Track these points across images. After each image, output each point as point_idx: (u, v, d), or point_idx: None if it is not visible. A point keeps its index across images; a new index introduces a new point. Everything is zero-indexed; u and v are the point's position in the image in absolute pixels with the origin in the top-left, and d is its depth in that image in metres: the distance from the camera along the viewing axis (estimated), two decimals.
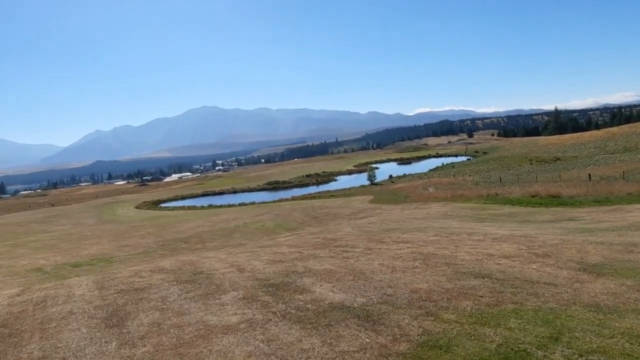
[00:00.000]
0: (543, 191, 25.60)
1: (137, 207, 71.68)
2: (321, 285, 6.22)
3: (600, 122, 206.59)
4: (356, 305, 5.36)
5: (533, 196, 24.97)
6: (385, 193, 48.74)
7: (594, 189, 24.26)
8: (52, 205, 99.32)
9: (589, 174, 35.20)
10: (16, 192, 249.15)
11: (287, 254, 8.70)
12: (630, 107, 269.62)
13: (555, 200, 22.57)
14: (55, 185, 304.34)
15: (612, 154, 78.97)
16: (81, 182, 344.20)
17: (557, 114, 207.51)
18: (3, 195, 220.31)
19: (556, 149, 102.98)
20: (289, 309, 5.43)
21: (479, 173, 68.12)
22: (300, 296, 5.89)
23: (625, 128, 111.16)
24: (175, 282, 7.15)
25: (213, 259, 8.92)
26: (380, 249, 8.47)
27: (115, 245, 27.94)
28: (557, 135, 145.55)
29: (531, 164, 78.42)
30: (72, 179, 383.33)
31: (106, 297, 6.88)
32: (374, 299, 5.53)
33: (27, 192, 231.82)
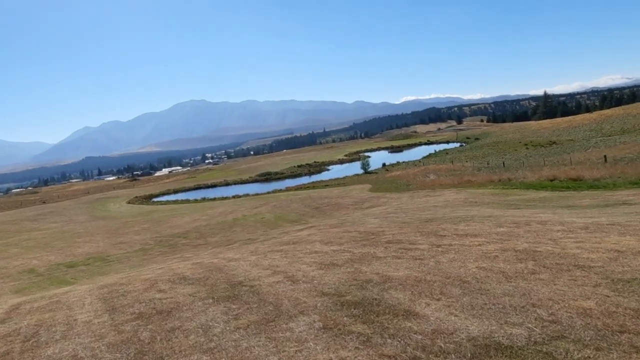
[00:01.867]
0: (562, 174, 25.00)
1: (129, 202, 70.20)
2: (427, 304, 4.54)
3: (589, 105, 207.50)
4: (518, 341, 3.55)
5: (551, 180, 24.38)
6: (383, 181, 48.05)
7: (618, 170, 23.69)
8: (44, 202, 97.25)
9: (604, 156, 34.71)
10: (8, 190, 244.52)
11: (331, 253, 7.55)
12: (618, 89, 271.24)
13: (580, 183, 21.95)
14: (46, 182, 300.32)
15: (609, 136, 78.91)
16: (72, 178, 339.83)
17: (546, 98, 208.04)
18: None
19: (550, 133, 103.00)
20: (408, 348, 3.61)
21: (475, 159, 67.71)
22: (408, 323, 4.14)
23: (619, 110, 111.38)
24: (211, 300, 5.45)
25: (242, 261, 7.84)
26: (451, 245, 7.13)
27: (110, 243, 26.91)
28: (548, 120, 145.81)
29: (527, 148, 78.10)
30: (62, 175, 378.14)
31: (122, 328, 5.14)
32: (536, 330, 3.75)
33: (18, 190, 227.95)
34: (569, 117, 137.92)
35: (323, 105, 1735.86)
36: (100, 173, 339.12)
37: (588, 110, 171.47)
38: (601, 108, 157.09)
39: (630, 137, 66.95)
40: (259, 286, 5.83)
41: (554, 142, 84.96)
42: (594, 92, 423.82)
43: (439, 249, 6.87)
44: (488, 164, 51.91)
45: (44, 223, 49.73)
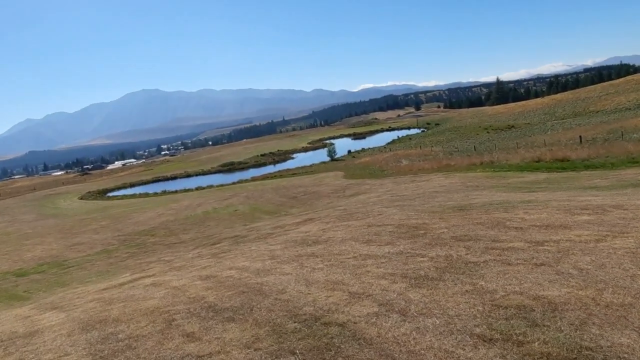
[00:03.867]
0: (545, 156, 24.61)
1: (81, 198, 65.38)
2: None
3: (538, 91, 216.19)
4: None
5: (536, 161, 23.94)
6: (354, 168, 46.88)
7: (602, 150, 23.44)
8: None
9: (580, 137, 35.03)
10: None
11: (393, 257, 5.66)
12: (561, 76, 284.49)
13: (568, 164, 21.51)
14: None
15: (563, 119, 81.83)
16: (14, 174, 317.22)
17: (499, 84, 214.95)
18: None
19: (506, 118, 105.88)
20: None
21: (440, 143, 68.02)
22: None
23: (568, 95, 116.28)
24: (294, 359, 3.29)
25: (275, 274, 5.76)
26: (557, 242, 5.42)
27: (64, 244, 24.04)
28: (502, 105, 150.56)
29: (487, 132, 79.55)
30: (3, 172, 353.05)
31: None
32: None
33: None
34: (522, 102, 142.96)
35: (282, 93, 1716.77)
36: (46, 168, 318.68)
37: (537, 95, 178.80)
38: (549, 93, 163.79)
39: (584, 120, 69.52)
40: (352, 325, 3.72)
41: (512, 126, 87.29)
42: (539, 79, 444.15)
43: (548, 248, 5.24)
44: (457, 148, 51.89)
45: None
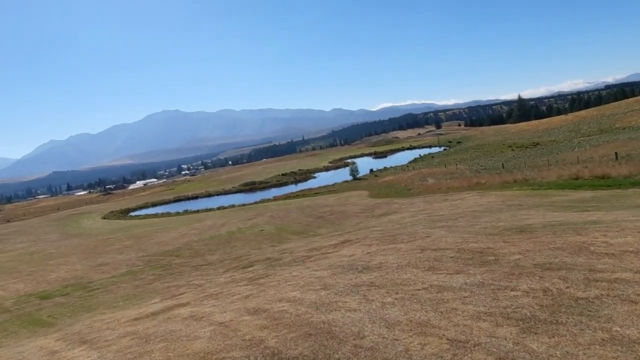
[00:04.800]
0: (584, 173, 23.38)
1: (104, 218, 65.88)
2: None
3: (560, 108, 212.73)
4: None
5: (574, 179, 22.77)
6: (378, 187, 45.93)
7: None
8: (8, 221, 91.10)
9: (616, 153, 33.60)
10: None
11: (475, 290, 4.76)
12: (582, 93, 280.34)
13: (611, 181, 20.24)
14: (9, 199, 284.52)
15: (589, 136, 79.73)
16: (38, 194, 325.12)
17: (520, 102, 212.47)
18: None
19: (530, 135, 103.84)
20: None
21: (464, 161, 66.66)
22: None
23: (592, 111, 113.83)
24: None
25: (338, 311, 4.79)
26: None
27: (89, 265, 23.60)
28: (525, 122, 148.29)
29: (512, 150, 77.85)
30: (27, 192, 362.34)
31: None
32: None
33: None
34: (546, 119, 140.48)
35: (301, 113, 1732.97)
36: (69, 188, 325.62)
37: (559, 112, 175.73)
38: (571, 110, 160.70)
39: (611, 136, 67.34)
40: None
41: (538, 143, 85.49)
42: (560, 96, 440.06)
43: None
44: (483, 166, 50.54)
45: (9, 244, 45.33)
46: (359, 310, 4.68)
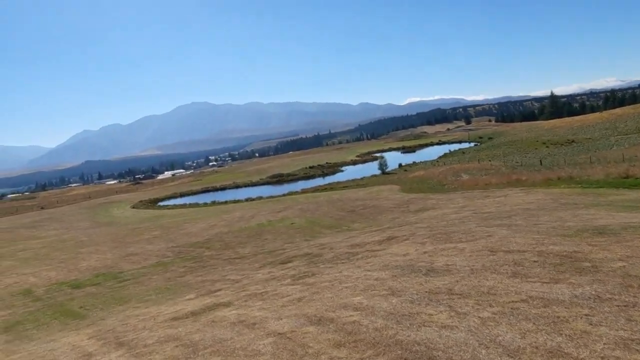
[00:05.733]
0: (635, 172, 21.68)
1: (133, 207, 66.72)
2: None
3: (593, 105, 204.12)
4: None
5: (624, 177, 21.17)
6: (409, 182, 44.59)
7: None
8: (42, 208, 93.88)
9: None
10: (3, 195, 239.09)
11: (591, 304, 3.91)
12: (615, 91, 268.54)
13: None
14: (44, 187, 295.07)
15: (626, 134, 76.21)
16: (71, 183, 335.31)
17: (553, 98, 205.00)
18: None
19: (565, 132, 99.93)
20: None
21: (497, 157, 64.38)
22: None
23: (629, 109, 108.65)
24: None
25: (426, 323, 3.94)
26: None
27: (119, 254, 23.45)
28: (559, 119, 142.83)
29: (547, 147, 74.92)
30: (61, 180, 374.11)
31: None
32: None
33: (14, 195, 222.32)
34: (580, 116, 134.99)
35: (328, 107, 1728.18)
36: (100, 177, 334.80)
37: (593, 110, 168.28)
38: (605, 108, 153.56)
39: None
40: None
41: (573, 141, 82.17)
42: (592, 94, 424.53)
43: None
44: (519, 162, 48.46)
45: (42, 230, 46.27)
46: (456, 327, 3.76)
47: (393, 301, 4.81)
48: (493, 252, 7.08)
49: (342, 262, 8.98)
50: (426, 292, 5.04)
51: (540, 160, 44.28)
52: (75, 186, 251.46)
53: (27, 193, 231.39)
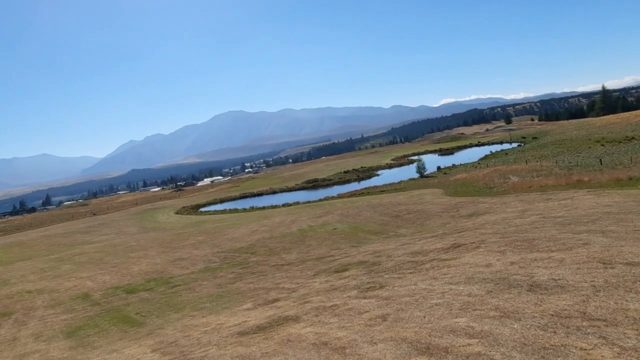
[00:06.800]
0: None
1: (177, 213, 68.69)
2: None
3: None
4: None
5: None
6: (452, 185, 43.37)
7: None
8: (94, 214, 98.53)
9: None
10: (60, 203, 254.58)
11: None
12: None
13: None
14: (95, 194, 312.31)
15: None
16: (119, 190, 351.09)
17: (605, 93, 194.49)
18: (49, 207, 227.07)
19: (621, 129, 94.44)
20: None
21: (546, 158, 61.61)
22: None
23: None
24: None
25: None
26: None
27: (167, 259, 23.98)
28: (612, 115, 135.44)
29: (602, 145, 70.94)
30: (110, 188, 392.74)
31: None
32: None
33: (69, 202, 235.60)
34: (637, 111, 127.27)
35: (360, 111, 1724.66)
36: (145, 184, 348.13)
37: None
38: None
39: None
40: None
41: (633, 138, 77.32)
42: None
43: None
44: (574, 163, 46.12)
45: (95, 235, 48.34)
46: None
47: (515, 327, 4.22)
48: (607, 265, 6.41)
49: (410, 272, 8.58)
50: (551, 315, 4.50)
51: (600, 160, 41.97)
52: (122, 193, 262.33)
53: (80, 200, 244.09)
